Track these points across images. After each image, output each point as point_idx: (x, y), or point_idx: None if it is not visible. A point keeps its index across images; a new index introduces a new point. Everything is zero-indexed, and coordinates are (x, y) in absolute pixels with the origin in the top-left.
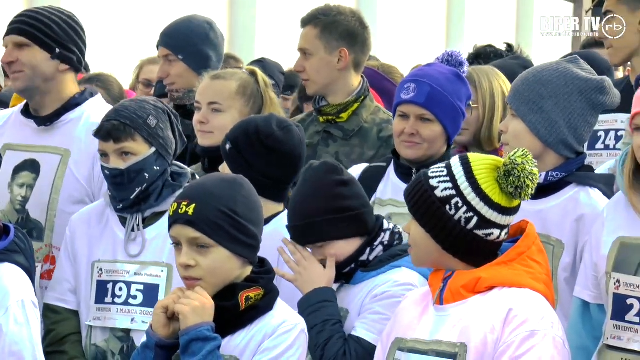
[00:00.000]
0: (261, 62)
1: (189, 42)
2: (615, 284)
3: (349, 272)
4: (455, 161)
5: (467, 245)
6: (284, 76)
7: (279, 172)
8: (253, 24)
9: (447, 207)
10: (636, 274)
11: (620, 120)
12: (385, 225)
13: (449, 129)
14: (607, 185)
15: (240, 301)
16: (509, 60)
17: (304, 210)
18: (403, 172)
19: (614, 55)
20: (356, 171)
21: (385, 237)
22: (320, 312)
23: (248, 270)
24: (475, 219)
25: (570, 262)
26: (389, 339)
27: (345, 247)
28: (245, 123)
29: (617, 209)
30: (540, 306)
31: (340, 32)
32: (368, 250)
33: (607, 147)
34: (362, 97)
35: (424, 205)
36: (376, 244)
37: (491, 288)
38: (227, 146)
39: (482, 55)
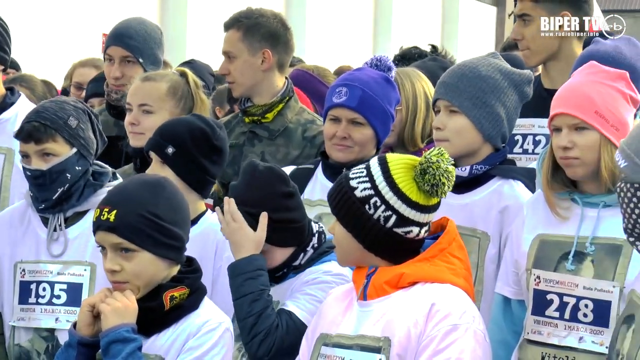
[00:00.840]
0: (191, 64)
1: (147, 45)
2: (535, 280)
3: (280, 275)
4: (374, 162)
5: (387, 244)
6: (214, 77)
7: (219, 170)
8: (184, 25)
9: (367, 206)
10: (556, 270)
11: (538, 125)
12: (314, 228)
13: (379, 133)
14: (529, 178)
15: (164, 301)
16: (428, 61)
17: (248, 218)
18: (333, 173)
19: (530, 58)
20: None
21: (315, 240)
22: (257, 280)
23: (175, 269)
24: (393, 218)
25: (496, 253)
26: (313, 335)
27: (281, 253)
28: (185, 125)
29: (536, 206)
30: (461, 301)
31: (263, 33)
32: (301, 255)
33: (525, 152)
34: (287, 98)
35: (345, 206)
36: (308, 248)
37: (413, 283)
38: (170, 150)
39: (408, 57)
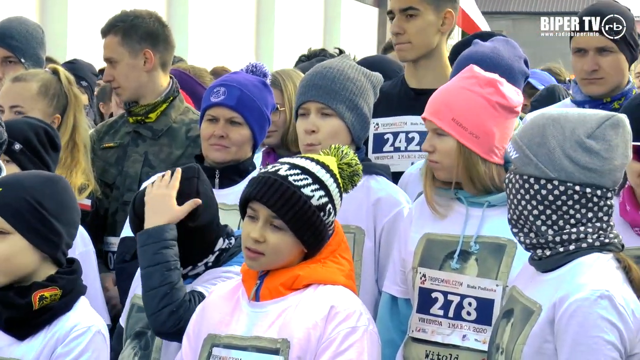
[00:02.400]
0: (73, 64)
1: (29, 45)
2: (421, 278)
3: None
4: (316, 167)
5: (322, 247)
6: (96, 76)
7: (55, 168)
8: (64, 24)
9: (322, 213)
10: (441, 269)
11: (410, 122)
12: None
13: (256, 134)
14: (387, 173)
15: (33, 300)
16: (314, 62)
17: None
18: (208, 176)
19: (409, 52)
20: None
21: (224, 242)
22: (172, 250)
23: (51, 269)
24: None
25: (372, 246)
26: (197, 335)
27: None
28: (26, 124)
29: (424, 206)
30: (356, 303)
31: (141, 34)
32: (210, 255)
33: (397, 150)
34: (171, 98)
35: (304, 216)
36: (215, 250)
37: (307, 285)
38: (17, 146)
39: (314, 58)
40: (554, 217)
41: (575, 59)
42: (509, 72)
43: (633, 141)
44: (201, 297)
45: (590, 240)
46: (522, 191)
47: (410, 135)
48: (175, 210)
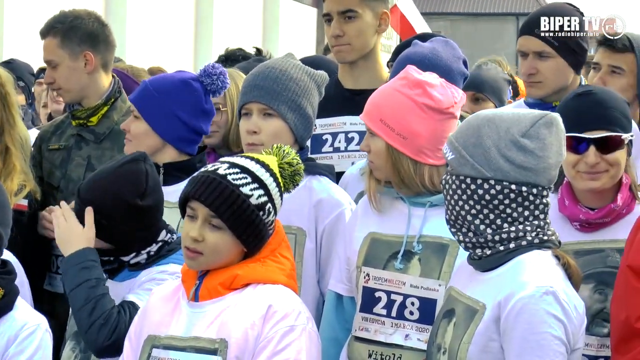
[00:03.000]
0: (10, 64)
1: None
2: (364, 277)
3: (114, 268)
4: (255, 167)
5: (262, 247)
6: (34, 77)
7: None
8: (0, 24)
9: (261, 212)
10: (385, 268)
11: (350, 122)
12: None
13: (157, 130)
14: (331, 174)
15: None
16: (252, 62)
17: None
18: None
19: (350, 53)
20: None
21: (165, 234)
22: (91, 270)
23: None
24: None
25: (314, 247)
26: (138, 337)
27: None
28: None
29: (368, 205)
30: (295, 302)
31: (81, 36)
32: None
33: (337, 150)
34: (113, 99)
35: (243, 215)
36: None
37: (246, 285)
38: None
39: (232, 58)
40: (492, 216)
41: (520, 61)
42: (447, 72)
43: (566, 133)
44: (132, 306)
45: (529, 238)
46: (459, 191)
47: (349, 136)
48: (83, 232)
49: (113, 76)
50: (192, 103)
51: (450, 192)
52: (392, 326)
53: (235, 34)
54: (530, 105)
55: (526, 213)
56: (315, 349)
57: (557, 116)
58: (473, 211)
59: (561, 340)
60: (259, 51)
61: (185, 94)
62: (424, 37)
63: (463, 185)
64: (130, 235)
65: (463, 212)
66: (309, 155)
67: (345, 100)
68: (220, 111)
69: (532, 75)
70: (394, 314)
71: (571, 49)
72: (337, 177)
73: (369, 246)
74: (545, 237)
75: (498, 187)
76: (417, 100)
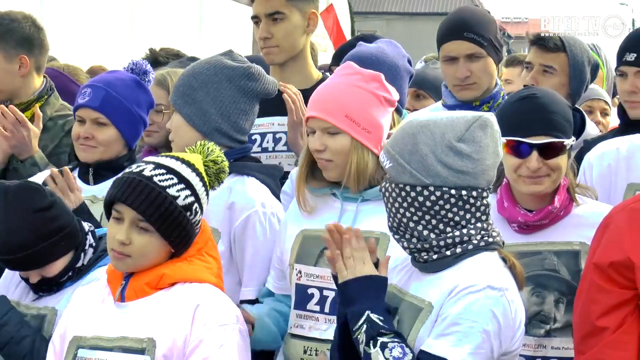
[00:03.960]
0: None
1: None
2: (297, 274)
3: (65, 279)
4: (181, 167)
5: (189, 246)
6: None
7: None
8: None
9: (188, 213)
10: (316, 265)
11: (277, 123)
12: (85, 226)
13: (125, 134)
14: (265, 174)
15: None
16: (186, 61)
17: (15, 243)
18: (82, 172)
19: (279, 54)
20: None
21: (90, 238)
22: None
23: None
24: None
25: (225, 249)
26: (62, 341)
27: (62, 262)
28: None
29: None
30: (225, 300)
31: (17, 39)
32: (82, 255)
33: (265, 150)
34: (45, 96)
35: (170, 217)
36: (87, 248)
37: (174, 284)
38: None
39: (159, 58)
40: (434, 221)
41: (446, 66)
42: (394, 69)
43: (509, 136)
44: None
45: (475, 242)
46: (399, 199)
47: (277, 136)
48: None
49: (44, 76)
50: (145, 102)
51: (391, 200)
52: (325, 322)
53: (172, 32)
54: (450, 107)
55: (468, 216)
56: (245, 347)
57: (491, 117)
58: (415, 218)
59: (489, 337)
60: (177, 55)
61: (140, 94)
62: (365, 39)
63: (403, 193)
64: (57, 252)
65: (405, 220)
66: (251, 155)
67: (274, 101)
68: (162, 112)
69: (467, 78)
70: (327, 309)
71: (496, 48)
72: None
73: (300, 244)
74: (491, 239)
75: (438, 193)
76: (377, 94)
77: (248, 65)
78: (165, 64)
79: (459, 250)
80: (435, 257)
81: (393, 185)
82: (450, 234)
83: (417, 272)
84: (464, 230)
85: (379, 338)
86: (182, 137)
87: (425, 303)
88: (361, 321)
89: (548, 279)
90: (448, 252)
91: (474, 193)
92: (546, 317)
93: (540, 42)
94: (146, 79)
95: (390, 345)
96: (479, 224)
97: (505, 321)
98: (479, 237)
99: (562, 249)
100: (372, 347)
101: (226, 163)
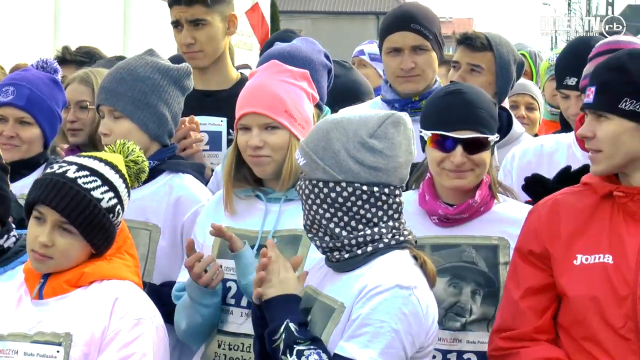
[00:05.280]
0: None
1: None
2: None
3: None
4: (104, 168)
5: (110, 247)
6: None
7: None
8: None
9: (111, 215)
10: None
11: (200, 123)
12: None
13: (47, 132)
14: (197, 172)
15: None
16: (116, 60)
17: None
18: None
19: (203, 59)
20: None
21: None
22: None
23: None
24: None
25: (167, 245)
26: None
27: None
28: None
29: (219, 202)
30: (142, 296)
31: None
32: (6, 235)
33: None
34: None
35: (95, 219)
36: (10, 231)
37: (93, 281)
38: None
39: (67, 56)
40: (346, 218)
41: (390, 58)
42: (309, 63)
43: (434, 130)
44: None
45: (386, 240)
46: (312, 196)
47: (199, 136)
48: None
49: None
50: (62, 101)
51: (304, 197)
52: (241, 315)
53: (96, 30)
54: (389, 102)
55: (380, 214)
56: (162, 342)
57: (404, 115)
58: (327, 215)
59: (399, 336)
60: (87, 54)
61: (57, 93)
62: (284, 38)
63: (316, 190)
64: None
65: (318, 217)
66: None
67: (195, 102)
68: (87, 110)
69: (412, 70)
70: (243, 303)
71: (439, 44)
72: None
73: (222, 240)
74: (402, 238)
75: (350, 189)
76: (307, 91)
77: (187, 65)
78: (74, 63)
79: (370, 249)
80: (347, 256)
81: (307, 182)
82: (362, 232)
83: (330, 272)
84: (376, 229)
85: (295, 346)
86: (136, 141)
87: (338, 303)
88: (280, 330)
89: (465, 271)
90: (359, 251)
91: (386, 190)
92: (462, 309)
93: (467, 42)
94: (57, 77)
95: (306, 352)
96: (390, 223)
97: (415, 319)
98: (390, 235)
99: (481, 243)
100: (288, 355)
101: (146, 163)
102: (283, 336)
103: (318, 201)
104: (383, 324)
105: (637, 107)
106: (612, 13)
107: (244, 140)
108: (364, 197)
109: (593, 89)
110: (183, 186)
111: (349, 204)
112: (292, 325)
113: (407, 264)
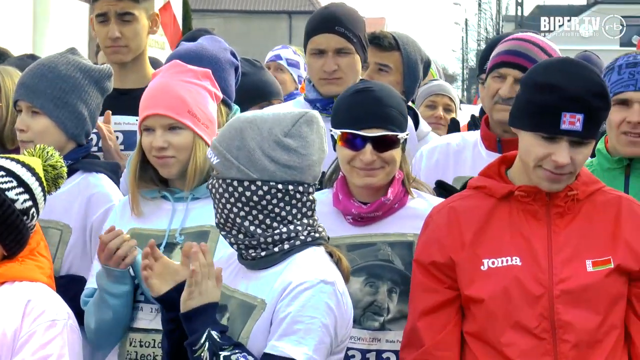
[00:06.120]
0: None
1: None
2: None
3: None
4: (21, 170)
5: (23, 249)
6: None
7: None
8: None
9: (25, 217)
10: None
11: (114, 122)
12: None
13: None
14: (111, 171)
15: None
16: (26, 59)
17: None
18: None
19: (127, 54)
20: None
21: None
22: None
23: None
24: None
25: (78, 244)
26: None
27: None
28: None
29: (126, 205)
30: (56, 298)
31: None
32: None
33: (101, 149)
34: None
35: (8, 220)
36: None
37: (3, 283)
38: None
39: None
40: (261, 216)
41: (313, 59)
42: (215, 62)
43: (344, 129)
44: None
45: (302, 237)
46: (226, 195)
47: (114, 135)
48: None
49: None
50: None
51: (218, 196)
52: (151, 311)
53: (5, 28)
54: (311, 102)
55: (294, 211)
56: (77, 343)
57: (316, 113)
58: (242, 213)
59: (328, 330)
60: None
61: None
62: (197, 37)
63: (230, 189)
64: None
65: (232, 215)
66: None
67: (111, 100)
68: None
69: (334, 72)
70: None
71: (363, 47)
72: None
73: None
74: (318, 235)
75: (265, 188)
76: (210, 90)
77: (109, 67)
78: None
79: (287, 246)
80: (263, 254)
81: (220, 181)
82: (278, 230)
83: (243, 269)
84: (291, 227)
85: (220, 353)
86: (47, 140)
87: (258, 300)
88: (203, 339)
89: (382, 269)
90: (276, 249)
91: (300, 188)
92: (379, 308)
93: (375, 41)
94: None
95: (233, 357)
96: (305, 220)
97: (339, 313)
98: (305, 232)
99: (396, 240)
100: None
101: (64, 169)
102: (206, 345)
103: (232, 200)
104: (314, 320)
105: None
106: (522, 13)
107: (148, 142)
108: (279, 195)
109: (581, 117)
110: (96, 185)
111: (264, 202)
112: (214, 333)
113: (324, 260)
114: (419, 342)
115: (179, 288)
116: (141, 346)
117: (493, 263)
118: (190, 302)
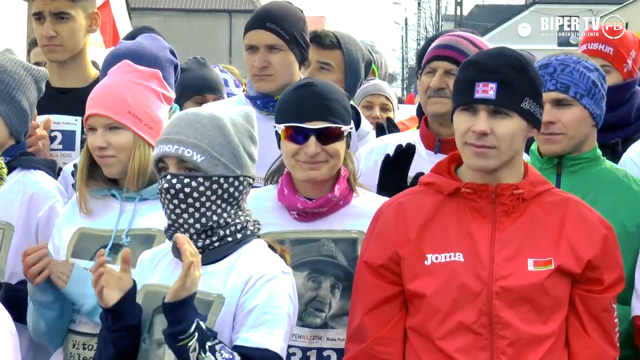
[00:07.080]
0: None
1: None
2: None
3: None
4: None
5: None
6: None
7: None
8: None
9: None
10: (92, 259)
11: (53, 122)
12: None
13: None
14: (49, 168)
15: None
16: None
17: None
18: None
19: (62, 53)
20: None
21: None
22: None
23: None
24: None
25: (22, 243)
26: None
27: None
28: None
29: (75, 203)
30: None
31: None
32: None
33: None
34: None
35: None
36: None
37: None
38: None
39: None
40: (229, 208)
41: (248, 55)
42: (154, 60)
43: (287, 123)
44: None
45: (251, 228)
46: (208, 193)
47: (52, 134)
48: None
49: None
50: None
51: (196, 194)
52: None
53: None
54: (252, 98)
55: (245, 204)
56: (16, 348)
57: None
58: (219, 210)
59: (290, 319)
60: None
61: None
62: (133, 36)
63: (215, 186)
64: None
65: (209, 213)
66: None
67: (50, 99)
68: None
69: (264, 69)
70: None
71: (299, 43)
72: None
73: (77, 240)
74: (256, 228)
75: (245, 183)
76: (157, 90)
77: (45, 70)
78: None
79: (239, 236)
80: (217, 244)
81: (202, 180)
82: (238, 220)
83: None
84: (242, 217)
85: (207, 343)
86: None
87: (213, 296)
88: (192, 329)
89: (325, 265)
90: (230, 239)
91: (251, 181)
92: (322, 303)
93: (317, 40)
94: None
95: (217, 347)
96: (248, 211)
97: (295, 301)
98: (250, 224)
99: (340, 237)
100: (203, 353)
101: (5, 171)
102: (196, 335)
103: (213, 197)
104: (280, 310)
105: (533, 108)
106: (461, 13)
107: (91, 141)
108: (248, 188)
109: (494, 85)
110: (36, 182)
111: (237, 194)
112: (202, 324)
113: (270, 252)
114: (363, 337)
115: (128, 298)
116: (84, 349)
117: (437, 258)
118: (182, 292)
